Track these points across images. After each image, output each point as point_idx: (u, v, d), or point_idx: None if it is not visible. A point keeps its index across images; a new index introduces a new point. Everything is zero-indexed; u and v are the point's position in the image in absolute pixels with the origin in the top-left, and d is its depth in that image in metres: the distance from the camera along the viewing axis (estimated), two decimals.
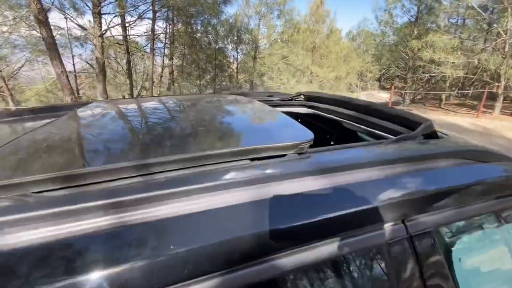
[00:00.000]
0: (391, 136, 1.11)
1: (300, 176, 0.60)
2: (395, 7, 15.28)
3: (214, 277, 0.46)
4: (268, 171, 0.58)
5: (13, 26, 9.07)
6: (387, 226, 0.60)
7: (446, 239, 0.69)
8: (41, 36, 7.19)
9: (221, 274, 0.46)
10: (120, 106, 1.14)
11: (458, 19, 14.22)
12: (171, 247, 0.44)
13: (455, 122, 9.33)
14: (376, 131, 1.22)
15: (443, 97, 13.73)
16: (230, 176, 0.56)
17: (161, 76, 13.95)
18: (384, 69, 17.08)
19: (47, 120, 1.13)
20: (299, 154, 0.72)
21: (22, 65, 10.38)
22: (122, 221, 0.46)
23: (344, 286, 0.58)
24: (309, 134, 0.76)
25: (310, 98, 1.86)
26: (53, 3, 8.12)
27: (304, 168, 0.61)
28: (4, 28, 9.14)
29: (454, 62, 11.05)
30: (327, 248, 0.54)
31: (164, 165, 0.59)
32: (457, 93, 14.75)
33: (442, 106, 13.27)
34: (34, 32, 9.10)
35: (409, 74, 14.87)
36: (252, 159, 0.68)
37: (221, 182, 0.54)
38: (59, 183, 0.52)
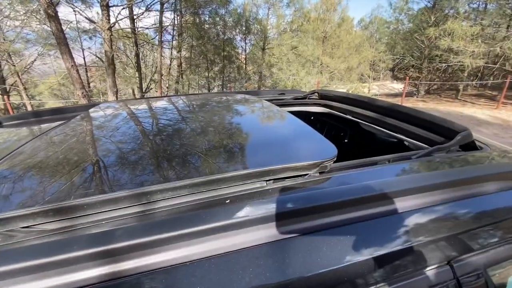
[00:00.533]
0: (420, 144, 1.01)
1: (322, 211, 0.51)
2: None
3: None
4: (288, 205, 0.50)
5: (25, 20, 9.17)
6: (430, 269, 0.51)
7: (497, 280, 0.59)
8: (51, 30, 7.23)
9: None
10: (115, 114, 1.05)
11: (479, 4, 13.41)
12: None
13: (473, 114, 8.92)
14: (401, 136, 1.12)
15: (460, 87, 13.13)
16: (242, 212, 0.47)
17: (170, 69, 13.93)
18: (398, 58, 16.43)
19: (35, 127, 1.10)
20: (320, 173, 0.64)
21: (35, 60, 10.56)
22: (116, 272, 0.40)
23: None
24: (332, 150, 0.68)
25: (325, 96, 1.76)
26: None
27: (326, 199, 0.52)
28: (16, 23, 9.27)
29: (473, 51, 10.48)
30: None
31: (168, 192, 0.52)
32: (476, 83, 14.07)
33: (459, 97, 12.72)
34: (45, 26, 9.19)
35: (424, 64, 14.24)
36: (268, 180, 0.61)
37: (232, 221, 0.46)
38: (50, 217, 0.47)
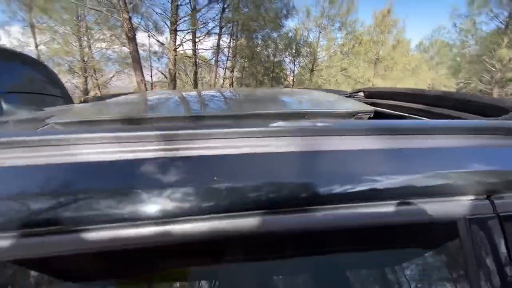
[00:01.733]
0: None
1: (358, 133, 0.50)
2: (479, 13, 13.38)
3: (252, 215, 0.42)
4: (320, 124, 0.52)
5: (109, 43, 10.98)
6: (466, 199, 0.48)
7: None
8: (129, 50, 8.50)
9: (257, 214, 0.43)
10: (195, 92, 1.30)
11: None
12: (219, 179, 0.42)
13: None
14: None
15: None
16: (281, 124, 0.52)
17: (222, 87, 14.95)
18: (462, 82, 14.96)
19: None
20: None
21: (113, 76, 12.38)
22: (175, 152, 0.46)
23: (401, 260, 0.50)
24: (368, 108, 0.76)
25: (371, 94, 1.69)
26: (140, 23, 9.59)
27: (361, 127, 0.51)
28: (103, 45, 11.14)
29: None
30: (378, 209, 0.44)
31: (217, 119, 0.69)
32: None
33: None
34: (123, 48, 10.83)
35: (495, 89, 12.70)
36: None
37: (271, 129, 0.50)
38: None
